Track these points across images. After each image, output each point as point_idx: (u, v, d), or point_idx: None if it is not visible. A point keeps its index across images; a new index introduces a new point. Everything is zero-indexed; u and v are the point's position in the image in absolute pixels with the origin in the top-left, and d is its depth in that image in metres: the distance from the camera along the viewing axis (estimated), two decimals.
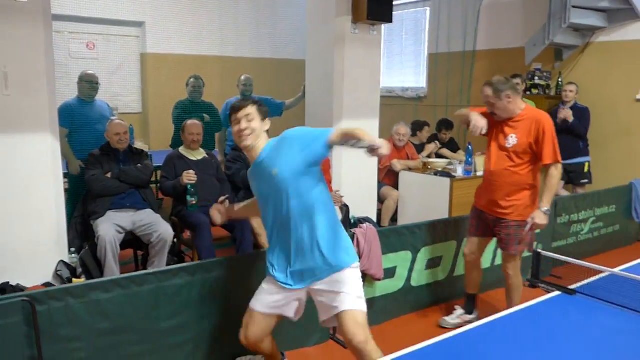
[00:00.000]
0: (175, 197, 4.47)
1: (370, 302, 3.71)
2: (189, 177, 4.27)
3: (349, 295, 2.47)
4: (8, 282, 3.59)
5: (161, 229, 4.04)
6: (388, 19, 5.17)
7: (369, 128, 5.44)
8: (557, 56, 6.89)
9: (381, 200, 5.88)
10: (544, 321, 2.22)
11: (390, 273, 3.78)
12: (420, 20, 8.70)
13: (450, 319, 3.76)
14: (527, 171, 3.39)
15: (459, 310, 3.78)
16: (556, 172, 3.33)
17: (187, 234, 4.65)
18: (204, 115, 5.53)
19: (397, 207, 5.86)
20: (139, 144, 6.87)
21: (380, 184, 5.86)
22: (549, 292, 2.52)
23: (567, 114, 5.85)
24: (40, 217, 3.83)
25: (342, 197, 4.99)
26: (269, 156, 2.56)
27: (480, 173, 5.86)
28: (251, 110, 2.62)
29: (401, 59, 9.11)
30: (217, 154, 5.63)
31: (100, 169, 4.22)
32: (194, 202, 4.28)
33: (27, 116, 3.72)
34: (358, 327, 2.44)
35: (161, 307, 2.86)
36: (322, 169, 4.89)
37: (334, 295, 2.49)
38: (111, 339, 2.73)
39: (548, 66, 6.99)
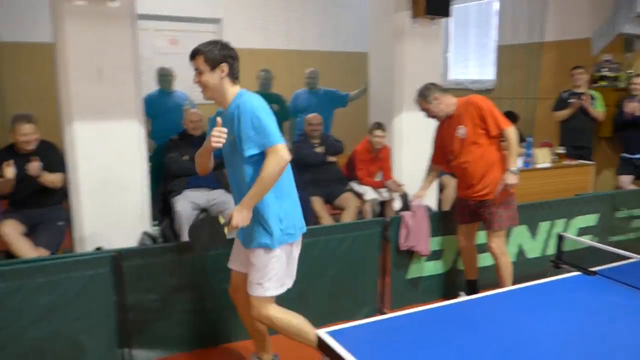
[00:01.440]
0: None
1: (417, 281, 4.00)
2: None
3: (250, 280, 2.67)
4: (100, 247, 4.16)
5: (233, 206, 4.48)
6: (446, 13, 5.35)
7: (429, 119, 5.65)
8: (627, 47, 6.75)
9: (441, 188, 6.06)
10: (556, 295, 2.39)
11: (436, 255, 4.03)
12: (486, 12, 8.72)
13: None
14: (487, 151, 3.62)
15: (463, 297, 3.94)
16: (510, 133, 3.55)
17: None
18: (273, 105, 5.94)
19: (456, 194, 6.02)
20: None
21: (441, 172, 6.04)
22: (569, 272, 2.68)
23: (634, 107, 5.78)
24: (127, 192, 4.37)
25: (401, 185, 5.24)
26: (228, 119, 2.62)
27: (539, 165, 5.94)
28: (198, 62, 2.63)
29: (466, 51, 9.18)
30: (286, 142, 6.04)
31: (178, 152, 4.73)
32: None
33: (117, 105, 4.26)
34: (254, 311, 2.69)
35: (224, 271, 3.27)
36: (382, 156, 5.20)
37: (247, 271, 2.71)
38: (181, 295, 3.20)
39: (619, 57, 6.86)
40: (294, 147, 5.41)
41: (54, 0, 4.08)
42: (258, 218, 2.60)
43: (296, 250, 2.80)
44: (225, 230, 2.56)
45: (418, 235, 3.82)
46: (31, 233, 4.07)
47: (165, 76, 5.61)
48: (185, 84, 6.51)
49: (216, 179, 4.76)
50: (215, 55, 2.62)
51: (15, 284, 2.78)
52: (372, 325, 2.09)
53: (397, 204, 5.30)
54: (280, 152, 2.49)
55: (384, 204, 5.37)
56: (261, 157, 2.54)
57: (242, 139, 2.52)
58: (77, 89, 4.14)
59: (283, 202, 2.66)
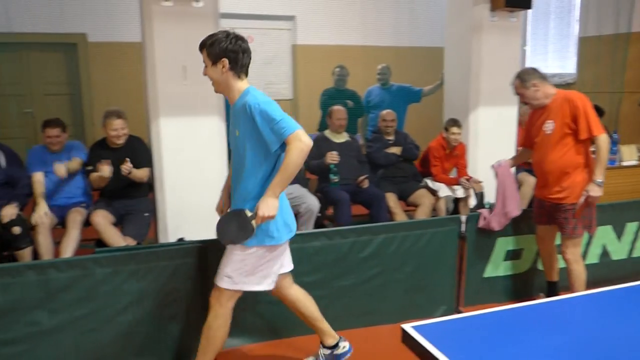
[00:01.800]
0: (320, 175, 4.99)
1: (494, 280, 3.92)
2: (332, 157, 4.76)
3: (220, 269, 2.74)
4: (183, 238, 4.35)
5: (309, 201, 4.57)
6: (526, 5, 5.19)
7: (506, 114, 5.53)
8: None
9: (518, 186, 5.90)
10: None
11: (516, 254, 3.94)
12: (567, 3, 8.38)
13: None
14: (573, 153, 3.41)
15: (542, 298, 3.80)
16: (602, 142, 3.34)
17: (329, 211, 5.15)
18: (347, 101, 5.99)
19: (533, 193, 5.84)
20: None
21: (518, 169, 5.88)
22: None
23: None
24: (208, 186, 4.51)
25: (480, 182, 5.12)
26: (235, 114, 2.67)
27: (625, 163, 5.67)
28: (203, 56, 2.67)
29: (545, 43, 8.85)
30: (359, 137, 6.07)
31: None
32: (336, 180, 4.77)
33: (200, 102, 4.42)
34: (214, 300, 2.74)
35: (303, 264, 3.36)
36: (457, 153, 5.12)
37: None
38: None
39: None
40: (366, 144, 5.43)
41: (143, 2, 4.28)
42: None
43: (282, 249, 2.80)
44: (253, 222, 2.58)
45: (504, 197, 3.69)
46: (119, 223, 4.30)
47: None
48: (259, 81, 6.70)
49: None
50: (215, 50, 2.62)
51: (109, 271, 2.96)
52: (456, 322, 2.08)
53: (472, 202, 5.22)
54: (302, 138, 2.47)
55: (458, 202, 5.29)
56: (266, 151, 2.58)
57: (265, 138, 2.52)
58: (163, 86, 4.33)
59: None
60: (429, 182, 5.24)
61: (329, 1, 8.55)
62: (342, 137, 5.10)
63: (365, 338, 3.45)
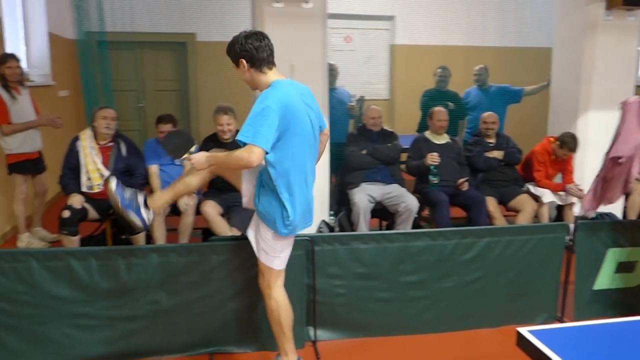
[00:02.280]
0: (419, 175, 4.99)
1: (605, 293, 3.74)
2: (433, 158, 4.75)
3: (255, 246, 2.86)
4: None
5: (408, 200, 4.59)
6: None
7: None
8: None
9: (626, 195, 5.60)
10: None
11: (628, 267, 3.76)
12: None
13: None
14: None
15: None
16: None
17: (425, 212, 5.13)
18: (448, 103, 5.92)
19: None
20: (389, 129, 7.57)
21: None
22: None
23: None
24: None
25: (581, 190, 4.93)
26: None
27: None
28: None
29: None
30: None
31: (357, 146, 4.93)
32: (435, 182, 4.75)
33: None
34: (264, 285, 2.85)
35: (406, 263, 3.39)
36: (564, 159, 4.91)
37: None
38: (364, 282, 3.37)
39: None
40: (464, 146, 5.35)
41: (256, 3, 4.47)
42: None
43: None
44: (185, 155, 2.94)
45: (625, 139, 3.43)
46: (226, 214, 4.52)
47: (330, 71, 5.80)
48: (347, 80, 6.73)
49: (391, 174, 4.89)
50: (232, 54, 2.74)
51: (223, 258, 3.14)
52: (572, 329, 2.04)
53: (578, 209, 5.01)
54: (251, 153, 2.50)
55: (562, 209, 5.10)
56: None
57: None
58: None
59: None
60: (531, 188, 5.09)
61: (429, 1, 8.48)
62: (443, 139, 5.06)
63: (466, 341, 3.43)
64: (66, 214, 4.11)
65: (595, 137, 5.21)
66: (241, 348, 3.27)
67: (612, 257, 3.66)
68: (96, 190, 4.32)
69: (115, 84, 7.80)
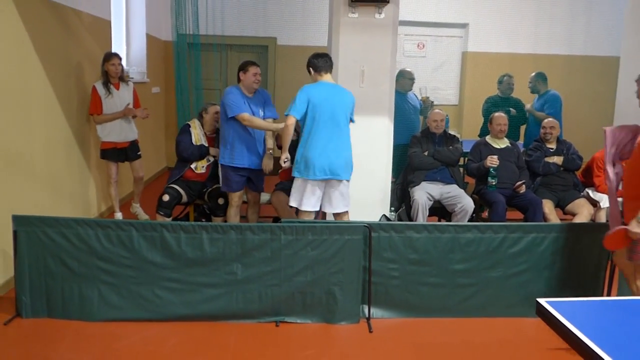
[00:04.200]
0: (478, 177, 5.26)
1: None
2: (492, 161, 5.01)
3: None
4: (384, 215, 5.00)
5: (464, 201, 4.88)
6: None
7: None
8: None
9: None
10: None
11: None
12: None
13: None
14: None
15: None
16: None
17: (485, 214, 5.38)
18: (510, 109, 6.13)
19: None
20: (452, 132, 7.81)
21: None
22: None
23: None
24: (373, 178, 5.04)
25: None
26: None
27: None
28: None
29: None
30: (522, 145, 6.17)
31: (420, 148, 5.26)
32: (494, 183, 5.01)
33: (373, 102, 4.94)
34: None
35: (455, 252, 3.72)
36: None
37: None
38: (416, 267, 3.72)
39: None
40: (525, 151, 5.53)
41: (334, 14, 4.90)
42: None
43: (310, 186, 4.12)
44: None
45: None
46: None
47: (411, 79, 6.13)
48: (418, 85, 6.99)
49: (451, 175, 5.19)
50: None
51: (291, 238, 3.59)
52: (590, 303, 2.32)
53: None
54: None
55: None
56: None
57: None
58: (343, 87, 4.89)
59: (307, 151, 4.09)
60: (590, 193, 5.23)
61: (502, 9, 8.64)
62: (503, 143, 5.30)
63: (510, 328, 3.71)
64: (166, 197, 4.77)
65: None
66: (303, 319, 3.70)
67: None
68: (200, 171, 5.02)
69: (204, 83, 8.53)
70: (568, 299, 2.31)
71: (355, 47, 4.89)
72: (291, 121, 4.09)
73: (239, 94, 4.57)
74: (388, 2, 4.71)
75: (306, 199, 4.15)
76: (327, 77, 4.24)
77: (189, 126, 5.07)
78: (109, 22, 5.97)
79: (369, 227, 3.62)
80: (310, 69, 4.24)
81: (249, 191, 4.88)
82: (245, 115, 4.48)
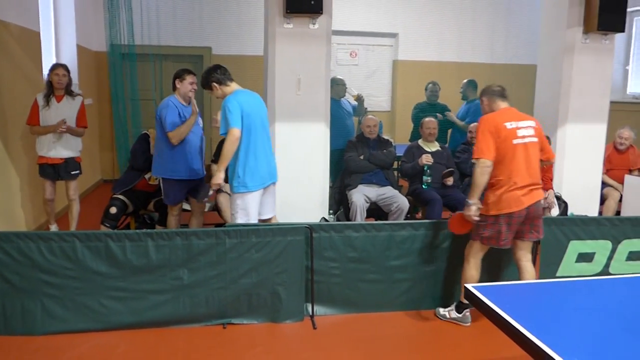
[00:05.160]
0: (412, 177, 5.54)
1: None
2: (427, 159, 5.31)
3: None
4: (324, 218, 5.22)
5: (400, 200, 5.14)
6: (620, 28, 5.45)
7: (594, 131, 5.81)
8: None
9: (602, 200, 6.11)
10: None
11: (588, 258, 4.28)
12: None
13: (442, 310, 4.01)
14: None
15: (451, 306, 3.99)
16: (476, 166, 3.59)
17: (419, 215, 5.67)
18: (438, 114, 6.49)
19: (619, 208, 6.04)
20: (386, 137, 8.13)
21: (603, 184, 6.09)
22: None
23: None
24: (311, 183, 5.24)
25: (554, 200, 5.44)
26: None
27: None
28: None
29: None
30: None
31: (355, 152, 5.49)
32: (429, 181, 5.31)
33: (310, 109, 5.14)
34: None
35: (392, 250, 3.95)
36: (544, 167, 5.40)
37: None
38: (355, 265, 3.93)
39: None
40: (453, 153, 5.88)
41: (270, 24, 5.06)
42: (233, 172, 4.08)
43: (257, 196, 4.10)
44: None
45: None
46: None
47: (338, 85, 6.36)
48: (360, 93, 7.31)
49: (386, 177, 5.45)
50: (205, 82, 4.24)
51: (236, 241, 3.71)
52: (513, 286, 2.59)
53: (554, 212, 5.54)
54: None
55: (544, 211, 5.62)
56: None
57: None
58: (280, 95, 5.10)
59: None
60: None
61: (429, 20, 9.08)
62: (434, 146, 5.62)
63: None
64: (114, 210, 4.77)
65: (572, 148, 5.78)
66: (250, 319, 3.82)
67: (573, 248, 4.20)
68: (153, 182, 5.00)
69: (140, 93, 8.47)
70: (493, 284, 2.56)
71: (291, 57, 5.07)
72: (238, 134, 3.92)
73: (174, 107, 4.55)
74: (321, 13, 4.92)
75: (254, 210, 4.08)
76: (235, 85, 4.17)
77: (147, 135, 5.04)
78: (38, 34, 5.87)
79: (310, 228, 3.79)
80: (214, 84, 4.10)
81: (193, 202, 4.88)
82: (170, 133, 4.50)
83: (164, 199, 4.74)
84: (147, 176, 4.99)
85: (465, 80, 6.84)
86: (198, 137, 4.73)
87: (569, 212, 5.72)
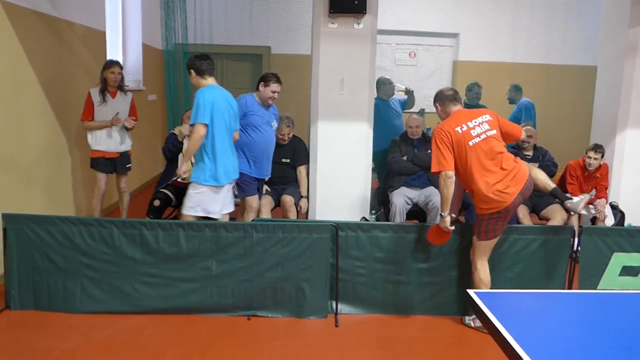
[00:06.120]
0: None
1: None
2: None
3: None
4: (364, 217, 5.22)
5: (435, 198, 5.04)
6: None
7: None
8: None
9: None
10: None
11: (633, 271, 4.04)
12: None
13: (467, 319, 3.89)
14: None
15: None
16: (440, 180, 3.55)
17: (462, 218, 5.53)
18: None
19: None
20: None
21: None
22: None
23: None
24: (353, 182, 5.24)
25: (603, 211, 5.20)
26: None
27: None
28: None
29: None
30: None
31: (399, 152, 5.44)
32: None
33: (353, 109, 5.15)
34: None
35: (419, 252, 3.90)
36: (598, 175, 5.12)
37: None
38: (382, 266, 3.91)
39: None
40: None
41: (315, 23, 5.12)
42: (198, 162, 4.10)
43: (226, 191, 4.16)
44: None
45: None
46: (277, 205, 5.19)
47: (386, 85, 6.31)
48: (417, 95, 7.23)
49: (428, 179, 5.36)
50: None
51: (263, 236, 3.79)
52: (517, 295, 2.50)
53: (609, 222, 5.26)
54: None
55: (595, 221, 5.35)
56: None
57: None
58: (324, 94, 5.14)
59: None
60: None
61: (492, 19, 8.83)
62: None
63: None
64: (157, 202, 4.98)
65: (631, 154, 5.45)
66: (274, 313, 3.89)
67: (616, 261, 3.97)
68: (188, 181, 5.08)
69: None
70: (496, 291, 2.48)
71: (335, 56, 5.10)
72: (204, 130, 3.93)
73: (243, 104, 4.58)
74: (365, 12, 4.92)
75: (223, 202, 4.15)
76: (212, 80, 4.15)
77: (174, 135, 5.22)
78: (104, 33, 6.22)
79: (336, 226, 3.81)
80: (192, 71, 4.09)
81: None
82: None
83: (239, 193, 4.73)
84: (179, 178, 5.00)
85: (509, 85, 6.71)
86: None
87: (626, 223, 5.41)
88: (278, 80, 4.65)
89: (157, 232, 3.80)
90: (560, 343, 2.00)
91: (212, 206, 4.12)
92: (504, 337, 1.97)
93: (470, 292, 2.37)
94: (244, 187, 4.68)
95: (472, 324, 3.81)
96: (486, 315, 2.17)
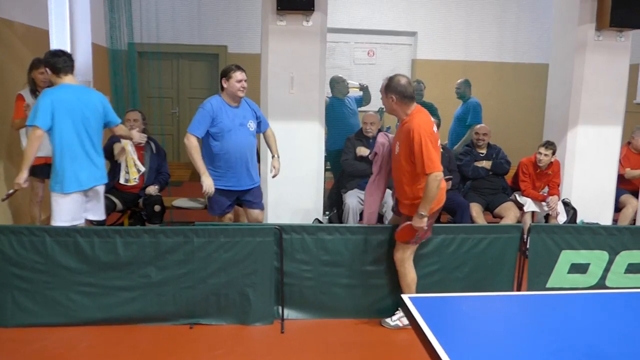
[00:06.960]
0: None
1: (557, 290, 4.03)
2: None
3: None
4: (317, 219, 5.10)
5: (389, 201, 4.96)
6: (636, 24, 5.12)
7: (608, 133, 5.48)
8: None
9: (619, 207, 5.77)
10: None
11: (582, 269, 4.02)
12: None
13: (391, 321, 3.81)
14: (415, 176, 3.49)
15: (400, 313, 3.78)
16: (431, 180, 3.37)
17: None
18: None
19: (635, 217, 5.69)
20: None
21: (620, 191, 5.75)
22: None
23: None
24: (305, 183, 5.13)
25: (555, 209, 5.21)
26: None
27: None
28: None
29: None
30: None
31: (353, 153, 5.34)
32: None
33: (303, 108, 5.04)
34: None
35: (367, 254, 3.80)
36: (550, 172, 5.11)
37: None
38: (329, 269, 3.80)
39: None
40: (456, 155, 5.66)
41: (264, 21, 4.99)
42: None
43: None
44: None
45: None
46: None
47: (339, 83, 6.20)
48: (377, 94, 7.15)
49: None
50: None
51: (204, 240, 3.64)
52: (452, 299, 2.42)
53: (561, 218, 5.27)
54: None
55: (548, 217, 5.35)
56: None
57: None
58: (273, 93, 5.02)
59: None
60: (517, 196, 5.37)
61: (451, 19, 8.83)
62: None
63: None
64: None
65: (583, 150, 5.47)
66: (218, 320, 3.75)
67: (565, 258, 3.95)
68: (132, 183, 4.94)
69: (155, 91, 8.56)
70: (430, 295, 2.40)
71: (284, 54, 4.98)
72: (39, 133, 3.63)
73: (209, 109, 4.06)
74: (313, 10, 4.81)
75: (73, 213, 3.84)
76: (69, 79, 3.82)
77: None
78: (47, 32, 5.97)
79: (279, 229, 3.69)
80: (48, 69, 3.80)
81: (248, 211, 4.43)
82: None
83: (209, 210, 4.36)
84: (122, 180, 4.92)
85: (460, 80, 6.64)
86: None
87: (578, 220, 5.43)
88: (240, 68, 4.14)
89: (93, 239, 3.61)
90: (489, 347, 1.93)
91: (68, 214, 3.81)
92: (433, 346, 1.89)
93: (404, 297, 2.28)
94: (211, 204, 4.25)
95: (400, 324, 3.74)
96: (417, 323, 2.08)
